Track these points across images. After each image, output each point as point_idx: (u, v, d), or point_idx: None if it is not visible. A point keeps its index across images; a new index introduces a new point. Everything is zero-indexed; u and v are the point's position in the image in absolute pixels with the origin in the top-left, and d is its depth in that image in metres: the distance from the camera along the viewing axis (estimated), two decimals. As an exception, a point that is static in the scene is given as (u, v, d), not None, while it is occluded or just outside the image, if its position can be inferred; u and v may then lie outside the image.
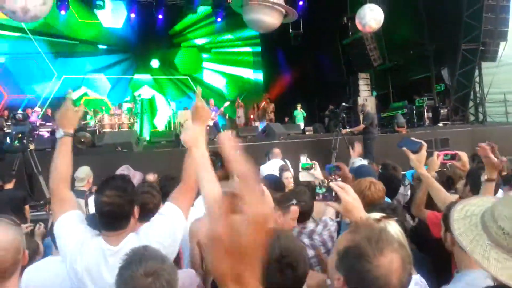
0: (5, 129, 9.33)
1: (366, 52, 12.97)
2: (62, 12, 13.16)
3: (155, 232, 1.89)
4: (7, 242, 1.43)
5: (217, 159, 2.54)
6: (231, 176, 2.49)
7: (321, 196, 1.73)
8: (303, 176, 4.37)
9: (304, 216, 2.57)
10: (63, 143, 2.01)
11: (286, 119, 13.49)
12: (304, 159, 4.35)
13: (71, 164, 2.03)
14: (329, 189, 1.72)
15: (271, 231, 0.70)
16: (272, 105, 13.93)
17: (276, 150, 6.50)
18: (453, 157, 2.97)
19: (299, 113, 13.02)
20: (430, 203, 2.67)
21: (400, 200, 3.87)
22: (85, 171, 4.34)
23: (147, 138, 10.01)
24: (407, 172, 4.28)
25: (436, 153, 2.80)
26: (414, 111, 12.07)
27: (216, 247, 0.67)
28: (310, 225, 2.64)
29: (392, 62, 13.57)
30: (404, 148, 2.59)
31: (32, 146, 7.21)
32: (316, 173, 4.12)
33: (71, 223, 1.87)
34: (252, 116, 13.89)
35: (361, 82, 11.88)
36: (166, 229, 1.92)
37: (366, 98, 11.36)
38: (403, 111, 11.96)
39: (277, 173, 5.12)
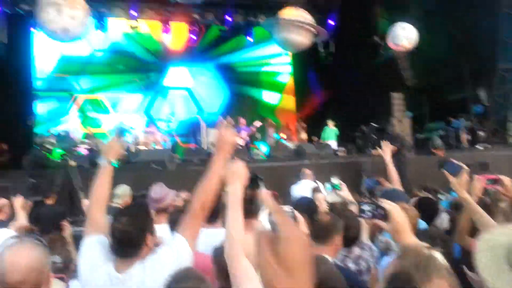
0: (47, 145, 9.67)
1: (399, 72, 12.78)
2: (99, 31, 13.69)
3: (161, 263, 1.89)
4: (31, 263, 1.45)
5: (255, 178, 2.53)
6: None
7: (368, 213, 1.70)
8: (331, 198, 4.30)
9: (351, 241, 2.50)
10: (105, 171, 2.16)
11: (315, 139, 13.36)
12: (336, 181, 4.28)
13: (109, 190, 2.18)
14: (376, 207, 1.68)
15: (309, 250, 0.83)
16: (303, 125, 13.87)
17: (308, 171, 6.45)
18: (495, 181, 2.83)
19: (331, 130, 12.77)
20: (474, 231, 2.52)
21: (438, 226, 3.71)
22: (124, 190, 4.58)
23: (180, 156, 10.12)
24: (443, 202, 4.11)
25: (476, 177, 2.67)
26: (451, 133, 11.73)
27: (266, 269, 0.75)
28: (356, 250, 2.56)
29: (427, 82, 13.30)
30: (445, 172, 2.50)
31: (73, 163, 7.43)
32: (345, 194, 4.03)
33: (93, 245, 1.96)
34: (282, 136, 13.84)
35: (394, 102, 11.67)
36: (171, 261, 1.91)
37: (400, 119, 11.13)
38: (439, 133, 11.64)
39: (308, 194, 5.06)
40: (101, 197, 2.12)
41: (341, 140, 12.90)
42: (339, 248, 2.42)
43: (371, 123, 9.73)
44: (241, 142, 11.90)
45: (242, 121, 12.08)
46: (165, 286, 1.46)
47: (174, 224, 2.40)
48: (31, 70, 13.80)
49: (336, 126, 12.67)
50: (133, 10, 13.38)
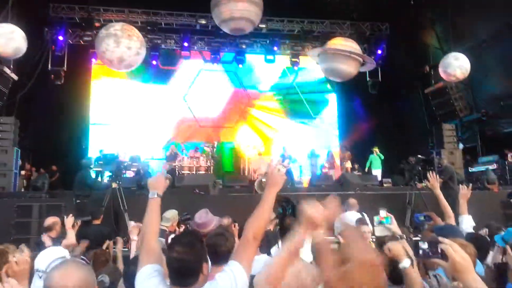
0: (95, 167, 10.10)
1: (451, 102, 12.35)
2: (154, 62, 14.39)
3: None
4: (78, 283, 1.49)
5: (289, 206, 2.53)
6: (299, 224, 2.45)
7: (425, 251, 1.60)
8: (379, 231, 4.11)
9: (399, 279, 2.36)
10: (154, 203, 2.26)
11: (356, 166, 13.07)
12: (383, 213, 4.12)
13: (159, 220, 2.30)
14: (433, 244, 1.59)
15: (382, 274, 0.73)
16: (348, 153, 13.63)
17: (353, 201, 6.27)
18: None
19: (376, 158, 12.46)
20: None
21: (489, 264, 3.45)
22: (173, 214, 4.83)
23: (222, 182, 10.24)
24: (496, 236, 3.83)
25: None
26: (506, 167, 11.05)
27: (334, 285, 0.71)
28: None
29: (481, 112, 12.73)
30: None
31: (115, 185, 7.69)
32: (393, 227, 3.85)
33: (149, 274, 2.00)
34: (326, 165, 13.66)
35: (445, 133, 11.22)
36: (230, 286, 1.95)
37: (452, 151, 10.66)
38: (493, 167, 11.00)
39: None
40: (154, 227, 2.20)
41: (387, 171, 12.52)
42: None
43: (418, 155, 9.38)
44: (284, 170, 11.94)
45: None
46: None
47: (212, 248, 2.43)
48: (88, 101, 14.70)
49: (381, 153, 12.35)
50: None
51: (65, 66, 12.86)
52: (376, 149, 12.35)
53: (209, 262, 2.10)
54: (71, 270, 1.53)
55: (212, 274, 2.06)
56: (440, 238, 1.61)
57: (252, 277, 2.05)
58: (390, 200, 8.60)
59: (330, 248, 0.73)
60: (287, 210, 2.36)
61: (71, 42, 13.39)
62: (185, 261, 1.88)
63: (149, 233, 2.17)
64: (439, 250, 1.56)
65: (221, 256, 2.44)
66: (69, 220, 4.53)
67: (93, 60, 14.04)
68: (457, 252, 1.55)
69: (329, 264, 0.72)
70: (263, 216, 2.14)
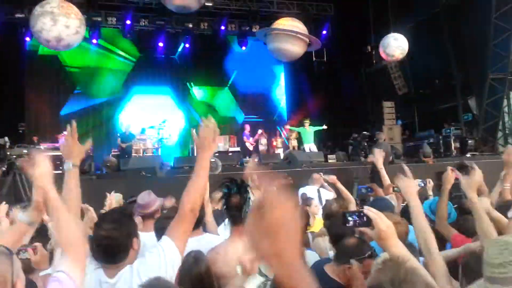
0: None
1: (391, 81, 12.92)
2: (94, 41, 13.75)
3: (148, 267, 1.88)
4: None
5: (233, 185, 2.57)
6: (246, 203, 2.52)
7: (351, 222, 1.69)
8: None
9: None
10: (73, 175, 1.97)
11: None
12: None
13: (80, 197, 1.99)
14: (360, 215, 1.67)
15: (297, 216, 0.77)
16: (295, 133, 13.93)
17: (316, 176, 6.46)
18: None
19: (306, 131, 12.00)
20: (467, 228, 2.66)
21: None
22: (117, 199, 4.54)
23: (171, 163, 10.14)
24: (424, 203, 4.13)
25: (449, 168, 2.83)
26: (441, 141, 11.84)
27: (252, 230, 0.73)
28: None
29: (418, 91, 13.47)
30: (457, 172, 2.57)
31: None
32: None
33: None
34: (274, 144, 13.91)
35: (385, 111, 11.79)
36: (159, 264, 1.90)
37: (391, 127, 11.24)
38: (429, 141, 11.75)
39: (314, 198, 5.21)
40: (74, 204, 1.94)
41: (332, 148, 12.97)
42: None
43: (364, 132, 9.84)
44: (251, 147, 12.16)
45: (247, 128, 12.80)
46: None
47: (161, 231, 2.35)
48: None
49: (312, 125, 12.18)
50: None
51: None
52: (307, 122, 12.09)
53: (139, 237, 2.01)
54: None
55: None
56: (367, 208, 1.72)
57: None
58: (337, 175, 8.95)
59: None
60: (232, 189, 2.37)
61: (1, 20, 12.43)
62: (113, 238, 1.83)
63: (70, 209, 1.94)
64: (365, 220, 1.67)
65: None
66: (3, 207, 3.95)
67: (27, 39, 13.15)
68: (382, 220, 1.66)
69: (251, 213, 0.75)
70: (199, 186, 2.00)
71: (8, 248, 1.45)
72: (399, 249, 1.66)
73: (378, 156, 4.42)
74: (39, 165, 1.66)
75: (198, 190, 2.01)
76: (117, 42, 15.05)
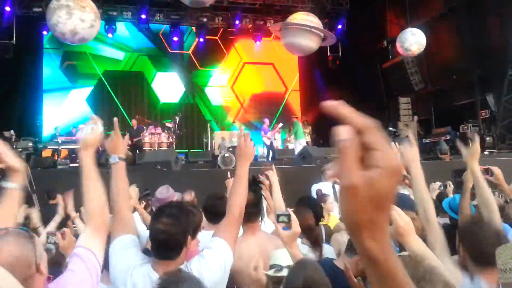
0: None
1: (407, 76, 12.74)
2: (110, 35, 13.83)
3: (207, 266, 1.87)
4: (14, 255, 1.33)
5: (255, 183, 2.55)
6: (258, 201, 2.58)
7: None
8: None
9: None
10: (119, 168, 2.06)
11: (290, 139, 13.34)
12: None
13: (128, 186, 2.11)
14: None
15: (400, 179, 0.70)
16: (309, 128, 13.85)
17: (329, 172, 6.37)
18: (486, 171, 2.90)
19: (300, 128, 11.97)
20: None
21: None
22: (133, 190, 4.55)
23: (185, 157, 10.18)
24: (444, 201, 4.05)
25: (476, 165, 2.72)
26: (458, 138, 11.62)
27: (352, 198, 0.65)
28: None
29: (435, 86, 13.24)
30: (458, 143, 2.55)
31: None
32: None
33: (126, 245, 1.92)
34: (288, 139, 13.85)
35: (401, 107, 11.63)
36: (216, 264, 1.91)
37: (407, 123, 11.08)
38: (446, 138, 11.55)
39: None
40: (123, 195, 2.03)
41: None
42: None
43: (389, 128, 9.70)
44: (267, 142, 12.18)
45: (266, 121, 12.82)
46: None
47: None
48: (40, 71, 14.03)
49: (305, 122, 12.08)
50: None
51: (14, 39, 12.12)
52: (295, 118, 12.17)
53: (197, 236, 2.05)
54: (3, 244, 1.34)
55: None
56: None
57: None
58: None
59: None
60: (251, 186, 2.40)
61: (19, 13, 12.59)
62: (171, 233, 1.81)
63: (119, 202, 1.99)
64: None
65: (218, 216, 2.45)
66: None
67: (45, 32, 13.30)
68: (400, 216, 1.63)
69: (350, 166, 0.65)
70: (243, 193, 2.13)
71: (28, 231, 1.47)
72: (418, 245, 1.64)
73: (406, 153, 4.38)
74: (93, 131, 1.82)
75: (242, 195, 2.13)
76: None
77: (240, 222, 2.13)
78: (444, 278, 1.37)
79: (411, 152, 2.15)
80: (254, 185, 2.46)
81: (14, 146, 7.75)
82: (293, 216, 2.00)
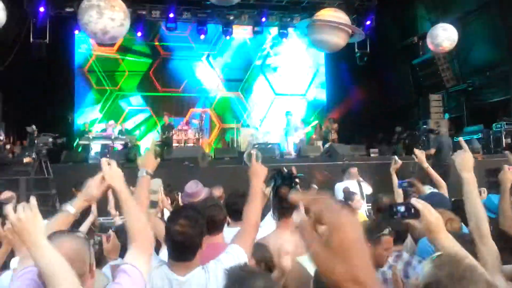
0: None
1: (438, 73, 12.41)
2: (139, 33, 14.09)
3: (223, 270, 1.88)
4: (73, 253, 1.46)
5: (281, 177, 2.56)
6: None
7: (399, 214, 1.64)
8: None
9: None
10: (144, 181, 2.18)
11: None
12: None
13: (148, 199, 2.26)
14: (408, 207, 1.63)
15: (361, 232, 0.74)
16: (335, 125, 13.70)
17: (353, 170, 6.34)
18: None
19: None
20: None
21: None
22: (158, 183, 4.62)
23: (212, 154, 10.28)
24: (485, 200, 3.93)
25: (506, 166, 2.60)
26: (491, 136, 11.25)
27: (319, 262, 0.73)
28: (405, 254, 2.48)
29: (467, 83, 12.85)
30: (461, 140, 2.35)
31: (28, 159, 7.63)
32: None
33: None
34: (314, 136, 13.76)
35: (432, 104, 11.32)
36: None
37: (438, 121, 10.79)
38: (478, 136, 11.20)
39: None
40: (142, 205, 2.09)
41: (373, 141, 12.69)
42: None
43: (424, 126, 9.50)
44: (297, 139, 12.23)
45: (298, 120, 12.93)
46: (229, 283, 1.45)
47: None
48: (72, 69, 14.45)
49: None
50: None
51: (47, 38, 12.51)
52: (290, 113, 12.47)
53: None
54: (63, 241, 1.49)
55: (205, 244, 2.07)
56: (415, 199, 1.66)
57: None
58: (380, 170, 8.72)
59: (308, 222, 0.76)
60: (280, 181, 2.47)
61: (52, 14, 12.98)
62: (188, 235, 1.87)
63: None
64: (413, 212, 1.61)
65: (217, 227, 2.52)
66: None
67: (76, 32, 13.68)
68: (431, 212, 1.60)
69: (310, 237, 0.74)
70: (258, 206, 2.25)
71: (84, 234, 1.63)
72: (450, 242, 1.59)
73: (420, 156, 4.30)
74: (111, 167, 1.85)
75: (258, 208, 2.25)
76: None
77: (257, 230, 2.21)
78: (486, 278, 1.33)
79: (464, 158, 2.01)
80: (290, 179, 2.49)
81: (36, 141, 8.06)
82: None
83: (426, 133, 9.58)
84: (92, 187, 1.84)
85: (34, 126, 8.33)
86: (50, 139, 8.06)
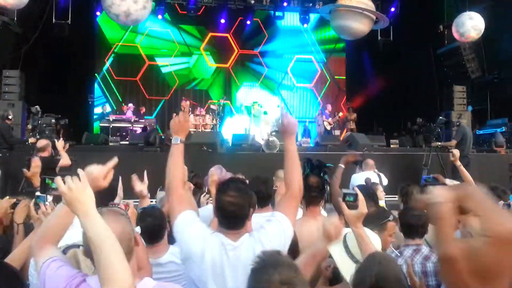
0: None
1: (463, 63, 12.08)
2: (159, 16, 14.05)
3: (268, 237, 1.96)
4: (118, 231, 1.47)
5: (310, 165, 2.55)
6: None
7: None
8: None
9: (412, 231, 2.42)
10: (178, 149, 2.18)
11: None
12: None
13: (183, 167, 2.23)
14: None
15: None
16: (354, 115, 13.53)
17: (370, 161, 6.26)
18: None
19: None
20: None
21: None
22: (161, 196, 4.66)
23: (230, 140, 10.26)
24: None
25: None
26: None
27: (449, 270, 0.63)
28: (424, 249, 2.45)
29: (492, 75, 12.47)
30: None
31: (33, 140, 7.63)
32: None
33: (192, 220, 2.03)
34: (332, 125, 13.61)
35: (455, 95, 11.03)
36: (277, 236, 1.99)
37: (461, 113, 10.53)
38: (502, 130, 10.90)
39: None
40: (179, 174, 2.15)
41: (392, 132, 12.50)
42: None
43: (440, 117, 9.33)
44: (328, 127, 12.17)
45: (329, 107, 13.14)
46: (256, 270, 1.41)
47: None
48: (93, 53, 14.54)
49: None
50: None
51: (70, 19, 12.57)
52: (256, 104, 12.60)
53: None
54: (109, 221, 1.46)
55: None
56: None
57: None
58: (400, 161, 8.61)
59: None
60: (310, 169, 2.46)
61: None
62: (240, 204, 1.94)
63: (175, 181, 2.11)
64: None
65: (264, 199, 2.59)
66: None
67: (98, 13, 13.71)
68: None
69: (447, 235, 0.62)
70: (298, 167, 2.20)
71: (123, 209, 1.68)
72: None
73: (457, 155, 4.33)
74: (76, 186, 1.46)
75: (298, 170, 2.20)
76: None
77: (300, 197, 2.19)
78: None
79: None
80: (319, 168, 2.48)
81: (39, 122, 8.18)
82: (361, 196, 2.00)
83: (442, 125, 9.40)
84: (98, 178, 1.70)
85: (38, 107, 8.47)
86: (53, 120, 8.20)
